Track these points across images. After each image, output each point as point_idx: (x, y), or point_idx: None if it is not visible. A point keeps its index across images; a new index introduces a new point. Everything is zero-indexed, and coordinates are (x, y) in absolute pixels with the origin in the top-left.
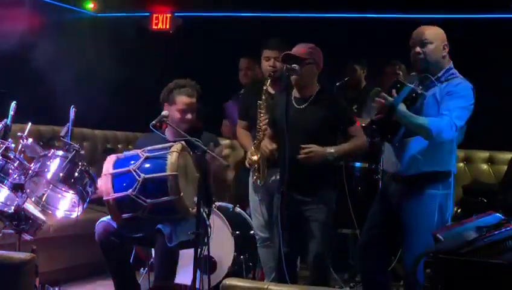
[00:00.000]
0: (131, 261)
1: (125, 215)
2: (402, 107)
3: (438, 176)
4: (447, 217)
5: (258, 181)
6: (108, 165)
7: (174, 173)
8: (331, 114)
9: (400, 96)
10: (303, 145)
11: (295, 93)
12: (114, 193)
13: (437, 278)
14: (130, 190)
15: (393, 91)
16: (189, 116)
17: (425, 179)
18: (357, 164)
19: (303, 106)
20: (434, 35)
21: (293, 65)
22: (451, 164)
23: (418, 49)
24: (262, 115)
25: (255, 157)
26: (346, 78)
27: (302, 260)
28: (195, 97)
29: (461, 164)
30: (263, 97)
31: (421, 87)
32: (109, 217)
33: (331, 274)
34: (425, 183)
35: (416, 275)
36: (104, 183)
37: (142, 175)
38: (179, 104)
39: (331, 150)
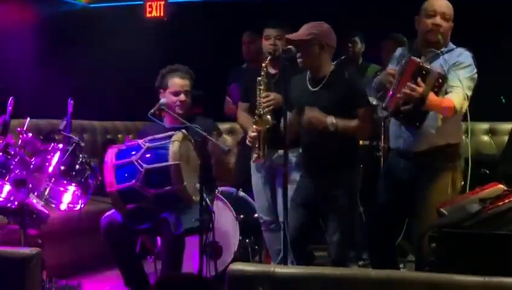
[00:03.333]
0: (137, 250)
1: (129, 207)
2: (433, 97)
3: (449, 148)
4: (458, 190)
5: (258, 160)
6: (110, 156)
7: (176, 162)
8: (345, 95)
9: (428, 86)
10: (308, 110)
11: (309, 74)
12: (117, 184)
13: (442, 252)
14: (133, 181)
15: (419, 80)
16: (182, 97)
17: (437, 152)
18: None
19: (317, 88)
20: (452, 13)
21: (289, 46)
22: (459, 136)
23: (439, 20)
24: (261, 91)
25: (254, 134)
26: (343, 57)
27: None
28: (188, 79)
29: (462, 136)
30: (262, 73)
31: (428, 62)
32: (113, 210)
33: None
34: (438, 157)
35: (422, 249)
36: (106, 175)
37: (145, 166)
38: (171, 87)
39: (332, 119)
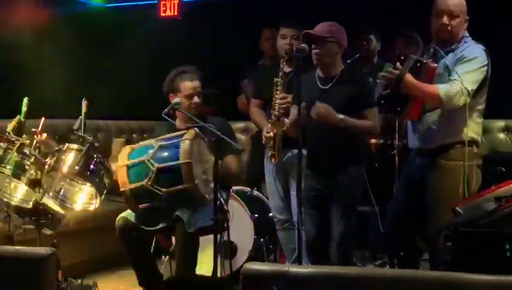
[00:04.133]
0: (151, 250)
1: (142, 206)
2: (409, 77)
3: (458, 146)
4: (474, 189)
5: (273, 159)
6: (123, 156)
7: (187, 161)
8: (354, 95)
9: (405, 68)
10: (318, 104)
11: (319, 72)
12: (130, 183)
13: (458, 250)
14: (145, 180)
15: (398, 64)
16: (196, 100)
17: (446, 150)
18: (373, 140)
19: (327, 86)
20: (460, 8)
21: (302, 45)
22: (474, 133)
23: (446, 19)
24: (278, 92)
25: (271, 134)
26: (357, 55)
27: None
28: (198, 80)
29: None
30: (280, 74)
31: (431, 60)
32: (128, 210)
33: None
34: (447, 155)
35: (437, 248)
36: (119, 175)
37: (156, 165)
38: (184, 91)
39: (341, 116)
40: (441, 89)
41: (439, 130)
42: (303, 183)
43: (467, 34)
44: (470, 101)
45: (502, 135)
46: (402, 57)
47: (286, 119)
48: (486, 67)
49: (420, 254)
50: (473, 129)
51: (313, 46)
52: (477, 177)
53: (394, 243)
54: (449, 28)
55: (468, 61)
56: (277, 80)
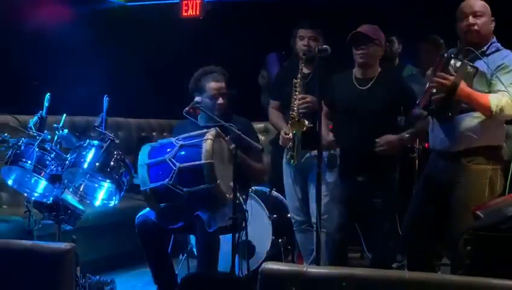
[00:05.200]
0: (169, 248)
1: (162, 205)
2: (464, 85)
3: (487, 150)
4: (497, 192)
5: (291, 161)
6: (144, 155)
7: (209, 160)
8: (395, 95)
9: (460, 74)
10: (378, 140)
11: (356, 73)
12: (150, 182)
13: (478, 255)
14: (167, 180)
15: (450, 68)
16: (220, 100)
17: (474, 154)
18: None
19: (366, 86)
20: (484, 8)
21: (324, 46)
22: (501, 139)
23: (471, 19)
24: (297, 93)
25: (290, 136)
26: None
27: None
28: (223, 81)
29: None
30: (298, 76)
31: (466, 61)
32: (148, 209)
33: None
34: (474, 158)
35: (458, 251)
36: (140, 173)
37: (178, 164)
38: (208, 91)
39: (406, 135)
40: (492, 100)
41: (469, 134)
42: (333, 185)
43: (495, 40)
44: None
45: None
46: (444, 61)
47: (305, 120)
48: None
49: (439, 258)
50: (500, 134)
51: (361, 46)
52: (500, 182)
53: (413, 245)
54: (476, 27)
55: (511, 72)
56: (296, 81)
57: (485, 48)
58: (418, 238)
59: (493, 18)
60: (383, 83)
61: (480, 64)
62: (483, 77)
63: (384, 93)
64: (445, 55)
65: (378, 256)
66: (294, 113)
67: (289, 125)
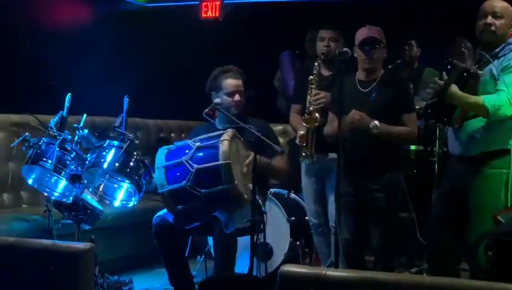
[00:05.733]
0: (187, 250)
1: (180, 207)
2: (454, 88)
3: (501, 154)
4: None
5: (306, 159)
6: (161, 157)
7: (226, 161)
8: (394, 99)
9: (450, 78)
10: (353, 110)
11: (359, 76)
12: (168, 185)
13: (499, 260)
14: (184, 181)
15: (444, 73)
16: (237, 97)
17: (488, 158)
18: (412, 147)
19: (369, 88)
20: (505, 10)
21: (345, 49)
22: None
23: (490, 19)
24: (312, 90)
25: (303, 132)
26: (399, 61)
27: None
28: (240, 79)
29: None
30: (314, 72)
31: (476, 66)
32: (165, 210)
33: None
34: (489, 162)
35: (478, 257)
36: (157, 176)
37: (195, 166)
38: (226, 88)
39: (376, 122)
40: (487, 100)
41: (482, 138)
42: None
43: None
44: None
45: None
46: (449, 66)
47: (317, 115)
48: None
49: (458, 263)
50: None
51: (371, 51)
52: None
53: (435, 250)
54: (492, 27)
55: None
56: (311, 77)
57: (498, 49)
58: (440, 242)
59: None
60: (385, 85)
61: (491, 66)
62: (492, 79)
63: (386, 95)
64: (450, 60)
65: (381, 258)
66: (308, 108)
67: (303, 122)
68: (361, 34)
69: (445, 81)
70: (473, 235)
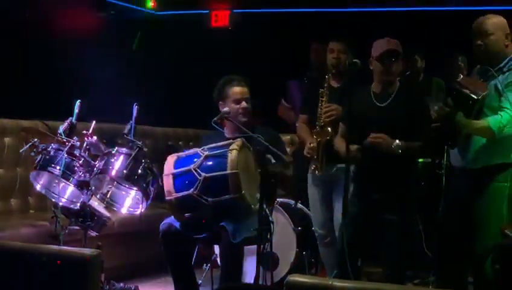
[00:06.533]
0: (193, 259)
1: (187, 215)
2: (460, 116)
3: (503, 168)
4: None
5: (316, 171)
6: (169, 165)
7: (235, 170)
8: (413, 112)
9: (456, 106)
10: (373, 133)
11: (375, 89)
12: (176, 192)
13: (505, 273)
14: (192, 189)
15: (449, 99)
16: (244, 104)
17: (491, 171)
18: (420, 159)
19: (385, 103)
20: (494, 25)
21: (354, 60)
22: None
23: (478, 41)
24: (323, 102)
25: (314, 144)
26: (408, 73)
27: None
28: (246, 87)
29: None
30: (325, 85)
31: (482, 80)
32: (172, 217)
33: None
34: (492, 176)
35: (484, 269)
36: (165, 184)
37: (203, 174)
38: (232, 96)
39: (397, 142)
40: (492, 123)
41: (484, 151)
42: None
43: None
44: None
45: None
46: (454, 92)
47: (330, 129)
48: None
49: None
50: None
51: (390, 63)
52: None
53: (441, 263)
54: (482, 47)
55: None
56: (322, 90)
57: (503, 64)
58: (447, 255)
59: (509, 33)
60: (402, 100)
61: (496, 81)
62: (497, 93)
63: (403, 110)
64: (456, 87)
65: (390, 274)
66: (320, 121)
67: (314, 135)
68: (381, 46)
69: (451, 108)
70: (478, 248)
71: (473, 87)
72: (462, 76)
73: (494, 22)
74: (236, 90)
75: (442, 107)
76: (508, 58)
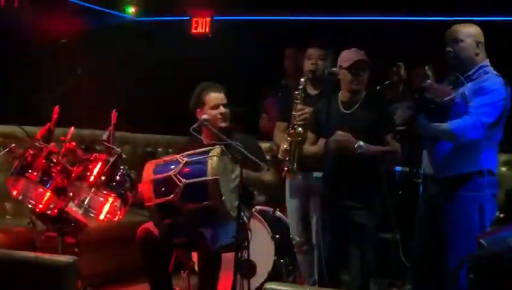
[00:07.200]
0: (171, 265)
1: (166, 221)
2: (420, 119)
3: (475, 177)
4: (488, 219)
5: (289, 175)
6: (149, 171)
7: (214, 177)
8: (377, 120)
9: (418, 109)
10: (339, 131)
11: (342, 97)
12: (155, 198)
13: (480, 283)
14: (172, 196)
15: (409, 104)
16: (222, 109)
17: (461, 180)
18: (398, 168)
19: (351, 110)
20: (465, 33)
21: (333, 69)
22: (488, 163)
23: (448, 47)
24: (298, 105)
25: (286, 146)
26: (387, 82)
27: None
28: (223, 93)
29: (504, 169)
30: (300, 87)
31: (451, 87)
32: (151, 222)
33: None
34: (462, 184)
35: (458, 279)
36: (145, 190)
37: (184, 180)
38: (209, 102)
39: (361, 143)
40: (453, 126)
41: (455, 159)
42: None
43: (487, 64)
44: (486, 133)
45: None
46: (416, 95)
47: (301, 129)
48: (503, 101)
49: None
50: (489, 160)
51: (360, 73)
52: (492, 207)
53: (418, 273)
54: (451, 54)
55: (486, 94)
56: (296, 93)
57: (471, 72)
58: (422, 264)
59: (480, 41)
60: (367, 107)
61: (464, 89)
62: (464, 101)
63: (365, 117)
64: (418, 88)
65: (356, 275)
66: (292, 123)
67: (286, 136)
68: (350, 56)
69: (411, 110)
70: (449, 257)
71: (437, 92)
72: (428, 81)
73: (466, 30)
74: (213, 96)
75: (405, 110)
76: (477, 66)
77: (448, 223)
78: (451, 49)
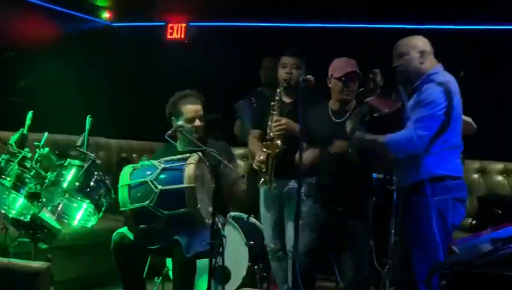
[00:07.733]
0: (145, 271)
1: (141, 227)
2: (358, 130)
3: (432, 182)
4: (450, 223)
5: (265, 185)
6: (125, 176)
7: (191, 185)
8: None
9: (360, 122)
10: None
11: (333, 106)
12: (130, 203)
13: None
14: (147, 201)
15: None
16: (197, 122)
17: (418, 187)
18: (374, 175)
19: (341, 119)
20: (408, 46)
21: (308, 76)
22: (445, 169)
23: (395, 62)
24: (274, 116)
25: (262, 158)
26: (361, 89)
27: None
28: (200, 104)
29: (476, 175)
30: (276, 98)
31: (400, 103)
32: (126, 227)
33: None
34: (418, 192)
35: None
36: (120, 194)
37: (160, 187)
38: (185, 114)
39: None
40: (387, 140)
41: (408, 169)
42: (305, 213)
43: (435, 71)
44: (430, 145)
45: (500, 177)
46: (358, 109)
47: (279, 142)
48: (444, 109)
49: None
50: (443, 166)
51: (350, 84)
52: (454, 211)
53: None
54: (399, 68)
55: (423, 106)
56: (273, 103)
57: (418, 82)
58: (397, 271)
59: (424, 50)
60: (357, 116)
61: (411, 101)
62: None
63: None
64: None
65: (351, 284)
66: (269, 134)
67: (263, 147)
68: (343, 67)
69: (352, 124)
70: (415, 264)
71: (379, 105)
72: (373, 97)
73: (409, 42)
74: (190, 108)
75: (350, 122)
76: (423, 76)
77: (410, 231)
78: (398, 64)
